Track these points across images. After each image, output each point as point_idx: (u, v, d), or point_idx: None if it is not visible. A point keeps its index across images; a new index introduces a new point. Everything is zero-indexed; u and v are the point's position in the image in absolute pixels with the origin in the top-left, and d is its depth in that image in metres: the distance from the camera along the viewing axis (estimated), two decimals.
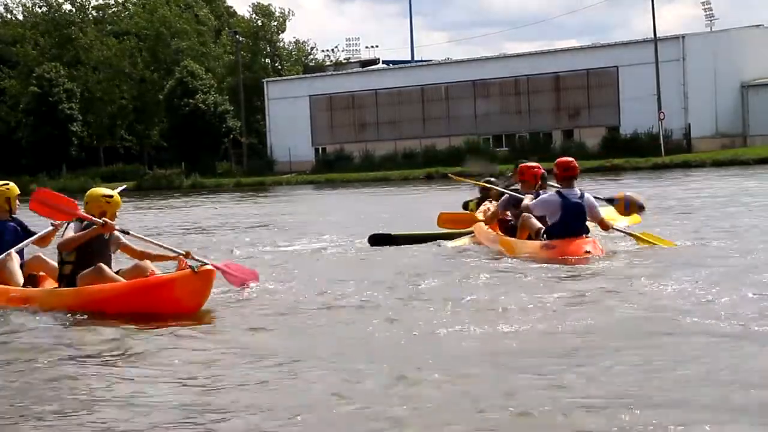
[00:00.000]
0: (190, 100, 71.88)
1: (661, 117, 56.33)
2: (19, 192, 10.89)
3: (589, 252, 12.17)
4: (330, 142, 71.51)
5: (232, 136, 73.92)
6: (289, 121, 72.41)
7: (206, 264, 9.48)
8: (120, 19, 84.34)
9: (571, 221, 12.73)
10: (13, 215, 10.86)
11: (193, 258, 9.79)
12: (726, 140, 58.87)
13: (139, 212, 33.12)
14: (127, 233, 10.08)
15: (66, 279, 9.95)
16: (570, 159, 13.24)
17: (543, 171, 14.10)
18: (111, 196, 10.12)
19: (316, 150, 72.09)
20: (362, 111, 71.13)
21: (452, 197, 33.63)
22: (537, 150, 60.66)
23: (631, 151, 55.16)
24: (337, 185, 55.05)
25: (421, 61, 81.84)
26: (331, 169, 65.38)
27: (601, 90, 62.22)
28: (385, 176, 58.01)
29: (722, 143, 58.32)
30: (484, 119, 65.86)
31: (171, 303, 9.23)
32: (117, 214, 10.17)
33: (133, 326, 8.84)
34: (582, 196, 12.88)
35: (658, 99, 56.94)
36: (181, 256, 9.89)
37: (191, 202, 40.98)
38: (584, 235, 12.62)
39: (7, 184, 10.93)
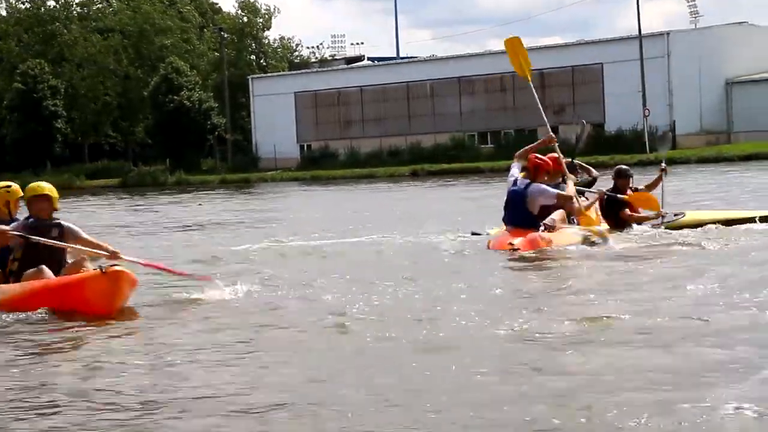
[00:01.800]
0: (175, 97, 71.70)
1: (646, 114, 56.42)
2: (21, 194, 10.34)
3: (512, 245, 12.12)
4: (315, 139, 71.44)
5: (217, 132, 73.76)
6: (274, 117, 72.29)
7: (118, 265, 9.33)
8: (104, 15, 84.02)
9: (508, 210, 12.85)
10: (14, 217, 10.34)
11: (121, 258, 9.74)
12: (710, 137, 59.03)
13: (120, 209, 33.02)
14: (27, 238, 9.78)
15: (14, 275, 9.90)
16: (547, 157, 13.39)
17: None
18: (9, 186, 10.27)
19: (301, 147, 72.01)
20: (347, 108, 71.05)
21: (439, 194, 33.72)
22: (522, 147, 60.67)
23: (616, 148, 55.19)
24: (322, 182, 54.98)
25: (407, 58, 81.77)
26: (316, 165, 65.30)
27: (585, 87, 62.25)
28: (371, 173, 57.93)
29: (707, 140, 58.47)
30: (469, 116, 65.85)
31: (82, 303, 9.16)
32: (51, 206, 10.04)
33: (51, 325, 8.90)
34: (528, 186, 12.75)
35: (643, 96, 57.03)
36: (106, 256, 9.80)
37: (174, 199, 40.87)
38: (524, 227, 12.54)
39: (9, 186, 10.47)
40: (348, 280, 10.79)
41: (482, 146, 63.33)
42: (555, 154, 13.60)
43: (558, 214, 12.97)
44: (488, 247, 12.73)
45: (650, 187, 14.87)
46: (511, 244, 12.20)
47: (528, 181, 12.92)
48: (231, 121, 73.02)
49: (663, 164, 14.94)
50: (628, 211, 14.28)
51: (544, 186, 12.88)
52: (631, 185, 14.53)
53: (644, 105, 56.61)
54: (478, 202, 25.27)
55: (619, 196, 14.24)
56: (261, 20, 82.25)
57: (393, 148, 65.72)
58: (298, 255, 13.96)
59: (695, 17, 73.13)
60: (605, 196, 14.27)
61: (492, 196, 24.43)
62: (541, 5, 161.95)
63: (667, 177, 15.12)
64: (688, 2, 74.70)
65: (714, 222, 14.10)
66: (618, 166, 14.79)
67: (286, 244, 15.56)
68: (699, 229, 13.77)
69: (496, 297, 9.37)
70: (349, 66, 79.48)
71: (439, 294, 9.54)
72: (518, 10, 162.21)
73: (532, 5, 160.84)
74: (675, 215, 14.52)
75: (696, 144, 56.57)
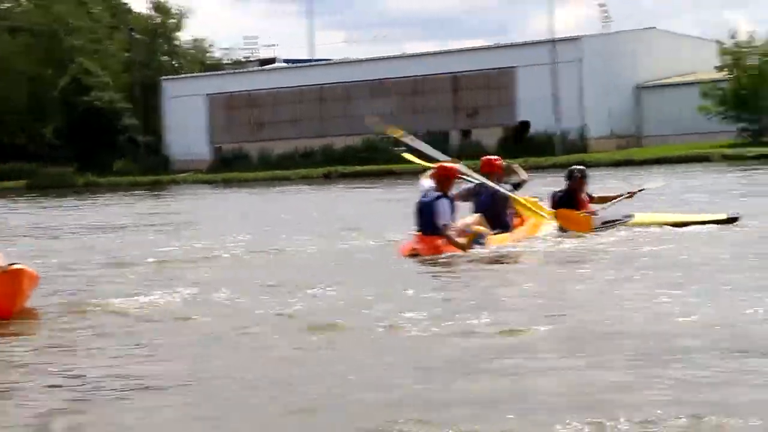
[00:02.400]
0: (85, 98, 70.72)
1: (558, 117, 56.94)
2: None
3: (415, 250, 12.33)
4: (228, 141, 70.95)
5: (128, 134, 72.84)
6: (186, 119, 71.67)
7: (17, 263, 8.97)
8: (13, 14, 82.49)
9: (417, 217, 12.92)
10: None
11: None
12: (621, 141, 59.78)
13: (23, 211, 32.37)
14: None
15: None
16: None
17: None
18: None
19: (214, 149, 71.48)
20: (261, 110, 70.73)
21: (353, 196, 33.63)
22: (434, 149, 60.93)
23: (528, 151, 55.56)
24: (234, 184, 54.56)
25: (320, 60, 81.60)
26: (229, 167, 64.85)
27: (498, 90, 62.62)
28: (284, 175, 57.71)
29: (617, 144, 59.19)
30: (382, 119, 65.77)
31: None
32: None
33: None
34: (436, 198, 12.77)
35: (555, 100, 57.53)
36: None
37: (82, 201, 40.19)
38: (427, 233, 12.67)
39: None
40: (259, 284, 10.50)
41: (395, 148, 63.25)
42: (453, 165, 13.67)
43: (472, 218, 13.18)
44: (397, 252, 12.74)
45: (604, 199, 14.94)
46: (414, 249, 12.37)
47: (435, 195, 12.91)
48: (143, 122, 72.21)
49: (638, 190, 15.11)
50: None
51: (446, 205, 12.87)
52: (586, 188, 14.67)
53: (556, 109, 57.11)
54: (393, 205, 25.20)
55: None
56: (173, 21, 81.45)
57: (306, 150, 65.53)
58: (207, 259, 13.54)
59: (606, 22, 74.04)
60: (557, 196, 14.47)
61: (408, 199, 24.30)
62: (455, 9, 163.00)
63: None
64: (600, 7, 75.67)
65: (664, 224, 14.18)
66: (571, 167, 14.97)
67: (191, 248, 15.17)
68: (640, 229, 13.86)
69: (405, 300, 9.21)
70: (263, 68, 79.12)
71: (348, 298, 9.36)
72: (432, 13, 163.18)
73: (446, 8, 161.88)
74: (625, 217, 14.56)
75: (607, 148, 57.23)
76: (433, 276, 11.32)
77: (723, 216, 14.31)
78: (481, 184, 13.76)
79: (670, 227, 13.92)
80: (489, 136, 59.99)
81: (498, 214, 13.54)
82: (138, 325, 8.45)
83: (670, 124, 59.69)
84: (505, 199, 13.63)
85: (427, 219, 12.82)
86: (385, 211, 23.03)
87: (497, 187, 13.67)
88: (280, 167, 62.07)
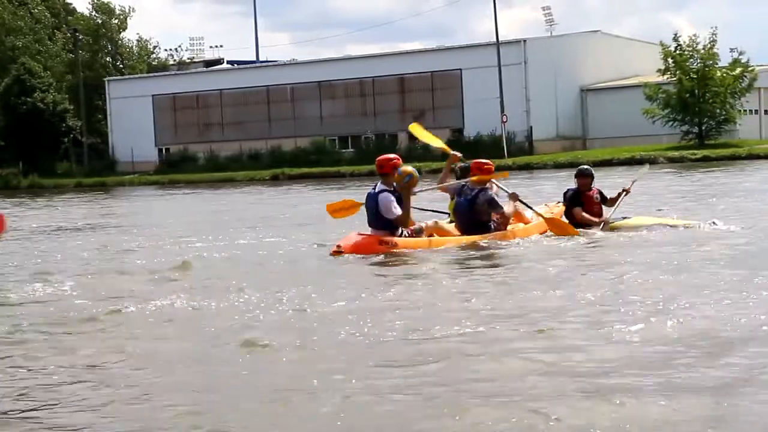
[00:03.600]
0: (28, 99, 69.92)
1: (504, 119, 57.20)
2: None
3: (339, 248, 12.48)
4: (174, 143, 70.52)
5: (72, 135, 72.11)
6: (131, 120, 71.15)
7: None
8: None
9: (368, 214, 13.20)
10: None
11: None
12: (566, 143, 60.28)
13: None
14: None
15: None
16: (383, 157, 13.58)
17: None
18: None
19: (160, 150, 71.01)
20: (207, 111, 70.39)
21: (301, 198, 33.56)
22: (383, 151, 60.62)
23: (475, 153, 55.49)
24: (181, 186, 54.15)
25: (267, 61, 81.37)
26: (175, 169, 64.43)
27: (445, 92, 62.86)
28: (231, 177, 57.42)
29: (563, 146, 59.66)
30: (329, 120, 65.84)
31: None
32: None
33: None
34: (380, 192, 13.04)
35: (501, 102, 57.83)
36: None
37: (24, 203, 39.75)
38: (376, 230, 12.92)
39: None
40: (207, 288, 10.38)
41: (343, 150, 63.38)
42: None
43: (431, 222, 13.56)
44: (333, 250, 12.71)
45: (611, 201, 15.07)
46: (338, 246, 12.52)
47: (379, 188, 13.14)
48: (87, 123, 71.53)
49: (630, 185, 15.25)
50: (579, 210, 14.51)
51: (391, 198, 13.04)
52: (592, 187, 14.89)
53: (502, 111, 57.40)
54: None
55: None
56: (116, 21, 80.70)
57: (253, 151, 65.32)
58: (154, 263, 13.30)
59: (551, 25, 74.58)
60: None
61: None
62: (401, 11, 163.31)
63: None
64: (544, 10, 76.20)
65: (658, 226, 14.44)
66: (580, 167, 15.25)
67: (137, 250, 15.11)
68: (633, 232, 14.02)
69: (350, 301, 9.22)
70: (209, 69, 78.73)
71: (290, 299, 9.35)
72: (377, 15, 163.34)
73: (392, 11, 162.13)
74: (623, 218, 14.88)
75: (552, 149, 57.66)
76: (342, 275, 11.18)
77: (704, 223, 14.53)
78: (465, 185, 13.84)
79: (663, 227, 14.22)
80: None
81: (474, 218, 13.60)
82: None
83: (614, 127, 60.30)
84: (489, 205, 13.62)
85: (373, 213, 13.11)
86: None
87: (504, 189, 14.15)
88: (228, 169, 61.81)
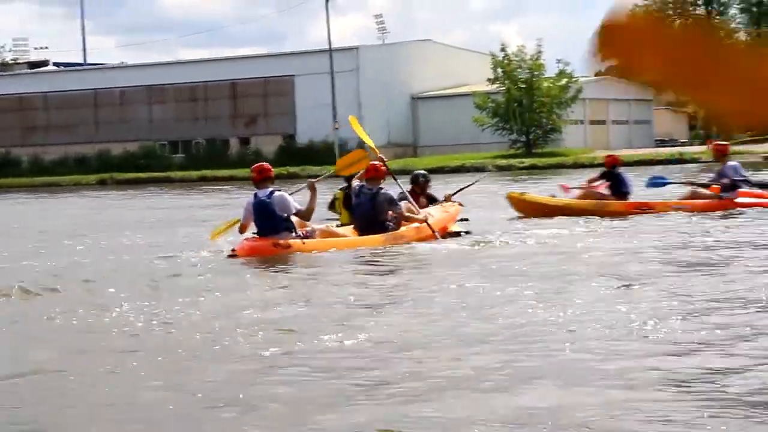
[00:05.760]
0: None
1: (336, 126, 57.26)
2: None
3: (233, 251, 12.33)
4: None
5: None
6: None
7: None
8: None
9: (258, 220, 12.94)
10: None
11: None
12: (398, 150, 60.65)
13: None
14: None
15: None
16: (263, 163, 13.69)
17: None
18: None
19: None
20: (31, 114, 68.47)
21: (138, 203, 32.86)
22: (213, 157, 60.48)
23: (307, 160, 55.61)
24: (2, 190, 52.33)
25: (95, 64, 79.57)
26: None
27: (277, 98, 62.64)
28: (56, 181, 55.90)
29: (395, 153, 59.91)
30: (159, 124, 64.85)
31: None
32: None
33: None
34: (271, 194, 12.96)
35: (333, 108, 57.89)
36: None
37: None
38: (276, 234, 12.74)
39: None
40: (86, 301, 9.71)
41: (173, 155, 62.49)
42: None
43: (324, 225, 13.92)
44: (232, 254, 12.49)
45: (447, 198, 15.77)
46: (233, 250, 12.36)
47: (268, 191, 12.98)
48: None
49: (452, 195, 15.82)
50: (407, 204, 14.62)
51: (284, 196, 13.04)
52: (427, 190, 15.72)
53: (334, 118, 57.47)
54: (184, 212, 24.72)
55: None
56: None
57: (80, 155, 63.79)
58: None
59: (383, 33, 74.99)
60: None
61: (192, 206, 23.87)
62: (231, 16, 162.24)
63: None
64: (376, 18, 76.68)
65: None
66: (415, 172, 16.35)
67: None
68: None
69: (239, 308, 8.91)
70: (34, 71, 76.55)
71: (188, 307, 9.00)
72: (208, 20, 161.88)
73: (223, 16, 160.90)
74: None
75: (384, 156, 57.78)
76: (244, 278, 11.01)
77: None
78: (362, 187, 14.01)
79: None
80: (268, 144, 59.95)
81: (376, 217, 13.73)
82: None
83: (445, 135, 61.04)
84: (389, 203, 13.87)
85: (267, 217, 12.86)
86: (185, 217, 22.43)
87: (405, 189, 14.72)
88: (53, 173, 60.24)
